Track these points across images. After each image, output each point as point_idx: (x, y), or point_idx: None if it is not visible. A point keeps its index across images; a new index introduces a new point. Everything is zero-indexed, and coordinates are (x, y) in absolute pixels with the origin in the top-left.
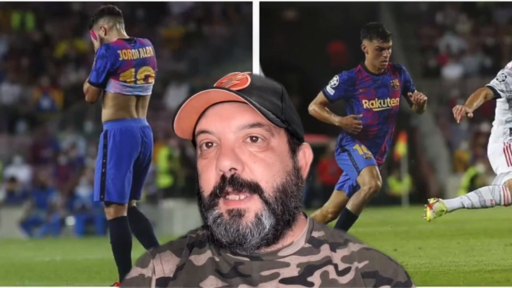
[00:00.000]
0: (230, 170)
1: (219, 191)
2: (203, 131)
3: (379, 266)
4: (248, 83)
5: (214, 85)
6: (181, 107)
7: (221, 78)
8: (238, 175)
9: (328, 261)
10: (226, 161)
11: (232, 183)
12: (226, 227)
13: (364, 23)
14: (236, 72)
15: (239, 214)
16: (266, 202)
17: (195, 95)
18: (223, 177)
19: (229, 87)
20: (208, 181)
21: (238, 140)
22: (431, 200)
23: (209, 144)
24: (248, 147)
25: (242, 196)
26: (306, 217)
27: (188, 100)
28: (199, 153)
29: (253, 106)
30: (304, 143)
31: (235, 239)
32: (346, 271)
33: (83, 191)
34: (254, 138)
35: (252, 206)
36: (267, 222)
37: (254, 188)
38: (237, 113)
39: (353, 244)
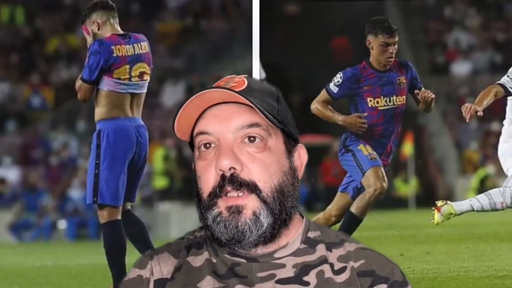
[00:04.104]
0: (229, 169)
1: (219, 190)
2: (201, 132)
3: (375, 266)
4: (246, 85)
5: (213, 86)
6: (183, 107)
7: (218, 81)
8: (237, 175)
9: (323, 260)
10: (226, 160)
11: (231, 182)
12: (225, 224)
13: (369, 17)
14: (233, 75)
15: (238, 210)
16: (264, 201)
17: (197, 94)
18: (222, 177)
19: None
20: (208, 181)
21: (236, 140)
22: (439, 203)
23: (208, 145)
24: (246, 147)
25: (241, 194)
26: (303, 217)
27: (190, 100)
28: (197, 154)
29: (253, 106)
30: (299, 144)
31: (234, 236)
32: (341, 270)
33: (75, 193)
34: (252, 138)
35: (249, 203)
36: (265, 220)
37: (252, 188)
38: (235, 114)
39: (349, 243)
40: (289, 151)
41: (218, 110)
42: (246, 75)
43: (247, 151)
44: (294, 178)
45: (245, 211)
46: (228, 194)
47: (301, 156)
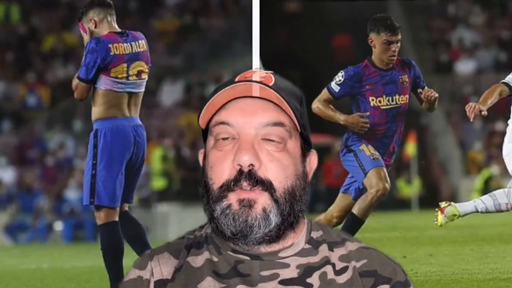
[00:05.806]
0: (248, 165)
1: (233, 184)
2: (222, 123)
3: (377, 265)
4: (273, 82)
5: (236, 79)
6: (216, 95)
7: (243, 74)
8: (254, 172)
9: (326, 261)
10: (246, 155)
11: (248, 178)
12: (234, 217)
13: (371, 15)
14: (257, 69)
15: (249, 204)
16: (276, 201)
17: (232, 85)
18: (240, 171)
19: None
20: (221, 173)
21: (257, 137)
22: (443, 204)
23: (225, 138)
24: (266, 145)
25: (254, 189)
26: (304, 217)
27: (224, 90)
28: (212, 144)
29: (287, 105)
30: (312, 150)
31: (242, 229)
32: (343, 270)
33: (71, 194)
34: (273, 137)
35: (261, 199)
36: (274, 219)
37: (267, 186)
38: (260, 110)
39: (350, 243)
40: (304, 156)
41: (242, 104)
42: (272, 71)
43: (266, 149)
44: (306, 183)
45: (256, 206)
46: (242, 189)
47: (311, 161)
